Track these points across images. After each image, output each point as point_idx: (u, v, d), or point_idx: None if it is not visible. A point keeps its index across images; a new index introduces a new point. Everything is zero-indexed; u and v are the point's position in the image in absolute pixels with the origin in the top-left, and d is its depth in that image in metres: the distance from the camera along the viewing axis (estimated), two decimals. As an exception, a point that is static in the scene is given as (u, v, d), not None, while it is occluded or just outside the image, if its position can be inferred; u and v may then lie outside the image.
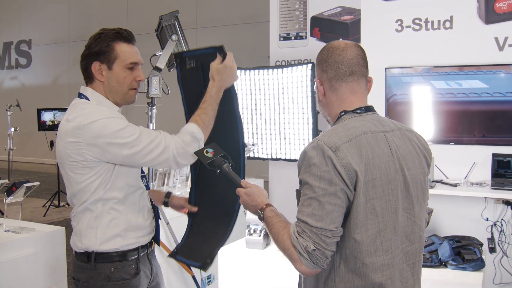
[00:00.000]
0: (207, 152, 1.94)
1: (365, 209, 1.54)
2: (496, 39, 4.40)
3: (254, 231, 3.03)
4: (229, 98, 2.18)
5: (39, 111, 8.48)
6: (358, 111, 1.68)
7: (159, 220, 2.27)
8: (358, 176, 1.52)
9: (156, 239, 2.24)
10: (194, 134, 2.01)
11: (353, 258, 1.56)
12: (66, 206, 8.41)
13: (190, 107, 2.25)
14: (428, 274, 2.70)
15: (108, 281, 2.01)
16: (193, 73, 2.24)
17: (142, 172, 2.16)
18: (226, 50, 2.13)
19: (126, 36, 2.05)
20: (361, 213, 1.54)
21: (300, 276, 1.79)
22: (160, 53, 3.65)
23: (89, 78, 2.06)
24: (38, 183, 3.31)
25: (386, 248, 1.58)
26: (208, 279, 3.89)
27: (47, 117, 8.49)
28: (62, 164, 2.01)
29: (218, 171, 1.92)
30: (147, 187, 2.19)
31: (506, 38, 4.37)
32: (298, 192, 1.62)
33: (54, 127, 8.45)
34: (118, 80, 2.04)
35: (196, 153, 1.98)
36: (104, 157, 1.94)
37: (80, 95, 2.06)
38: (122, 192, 2.02)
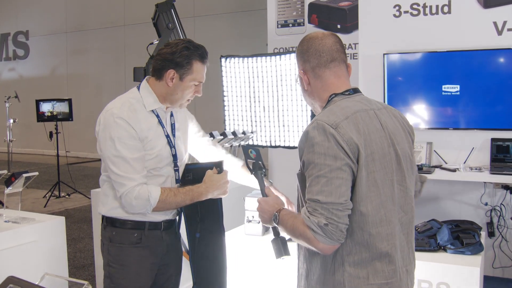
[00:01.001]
0: (251, 152, 2.19)
1: (367, 182, 1.63)
2: (495, 23, 4.38)
3: (253, 217, 3.03)
4: (216, 211, 2.44)
5: (37, 102, 8.44)
6: (347, 93, 1.78)
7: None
8: (360, 150, 1.61)
9: (170, 227, 2.43)
10: (150, 197, 2.19)
11: (360, 230, 1.64)
12: (67, 196, 8.42)
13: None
14: (427, 258, 2.71)
15: (110, 243, 2.32)
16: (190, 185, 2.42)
17: (176, 166, 2.38)
18: (223, 168, 2.42)
19: (204, 58, 2.29)
20: (364, 186, 1.62)
21: (302, 257, 1.86)
22: (157, 41, 3.64)
23: (157, 76, 2.29)
24: (37, 173, 3.31)
25: (388, 219, 1.67)
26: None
27: (45, 108, 8.45)
28: None
29: (253, 173, 2.16)
30: (178, 181, 2.40)
31: (505, 22, 4.35)
32: (300, 175, 1.70)
33: (52, 118, 8.43)
34: (183, 91, 2.29)
35: (243, 147, 2.28)
36: (98, 143, 2.24)
37: (139, 84, 2.36)
38: None
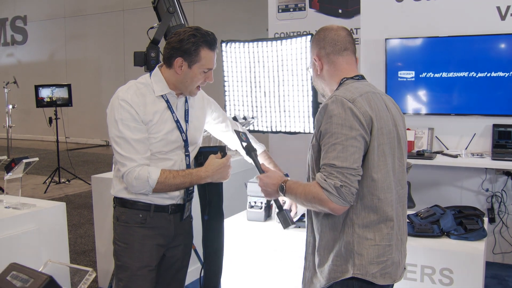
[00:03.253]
0: (242, 135, 2.36)
1: (378, 152, 1.84)
2: (498, 8, 4.34)
3: (255, 203, 3.02)
4: (217, 196, 2.50)
5: (36, 88, 8.39)
6: (357, 77, 2.01)
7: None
8: (373, 122, 1.82)
9: (179, 211, 2.46)
10: (149, 178, 2.25)
11: (370, 195, 1.84)
12: (67, 182, 8.42)
13: None
14: (430, 244, 2.71)
15: (117, 221, 2.42)
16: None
17: (187, 151, 2.43)
18: (227, 151, 2.47)
19: (212, 45, 2.32)
20: (375, 155, 1.83)
21: (310, 226, 2.02)
22: (157, 25, 3.60)
23: (167, 64, 2.34)
24: (37, 158, 3.29)
25: (391, 188, 1.89)
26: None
27: (44, 93, 8.40)
28: None
29: (247, 156, 2.29)
30: (188, 166, 2.44)
31: (508, 7, 4.31)
32: (317, 146, 1.88)
33: (52, 103, 8.38)
34: (192, 78, 2.32)
35: (236, 131, 2.43)
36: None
37: (151, 71, 2.42)
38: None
